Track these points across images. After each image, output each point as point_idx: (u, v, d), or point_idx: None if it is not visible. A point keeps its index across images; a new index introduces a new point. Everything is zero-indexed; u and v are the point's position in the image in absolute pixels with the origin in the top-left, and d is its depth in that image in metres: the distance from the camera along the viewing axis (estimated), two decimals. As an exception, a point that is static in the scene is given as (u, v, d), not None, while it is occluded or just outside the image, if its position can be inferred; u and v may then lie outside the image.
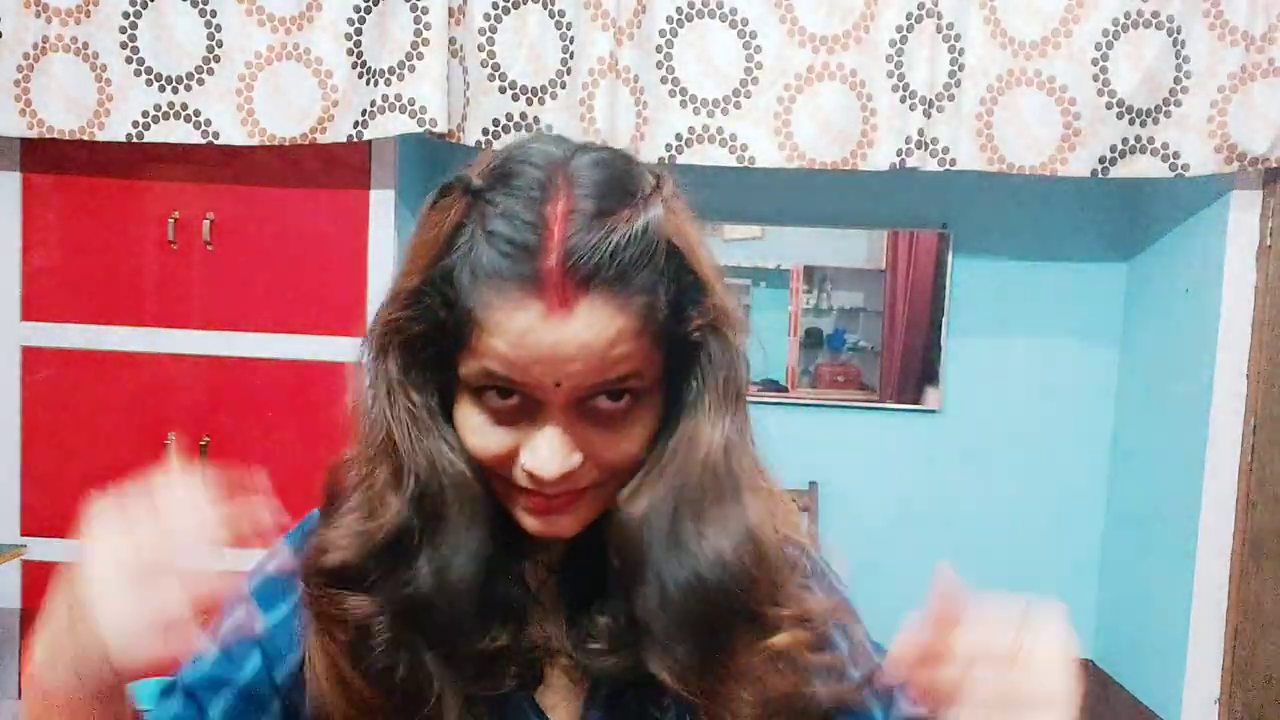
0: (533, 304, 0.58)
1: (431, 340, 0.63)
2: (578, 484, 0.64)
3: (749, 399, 0.69)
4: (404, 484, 0.65)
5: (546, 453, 0.61)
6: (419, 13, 2.27)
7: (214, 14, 2.29)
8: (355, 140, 2.31)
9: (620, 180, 0.62)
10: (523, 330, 0.58)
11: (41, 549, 2.47)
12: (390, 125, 2.30)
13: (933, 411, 2.92)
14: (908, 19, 2.29)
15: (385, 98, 2.30)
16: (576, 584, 0.69)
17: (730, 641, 0.65)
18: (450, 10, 2.29)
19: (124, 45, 2.30)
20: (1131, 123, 2.28)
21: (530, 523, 0.65)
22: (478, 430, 0.64)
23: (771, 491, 0.69)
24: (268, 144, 2.31)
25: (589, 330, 0.59)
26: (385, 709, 0.65)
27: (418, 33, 2.28)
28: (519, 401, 0.62)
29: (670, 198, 0.64)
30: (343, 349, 2.48)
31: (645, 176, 0.64)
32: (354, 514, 0.67)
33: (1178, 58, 2.27)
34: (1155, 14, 2.25)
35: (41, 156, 2.46)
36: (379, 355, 0.65)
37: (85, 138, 2.33)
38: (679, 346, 0.64)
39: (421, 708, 0.65)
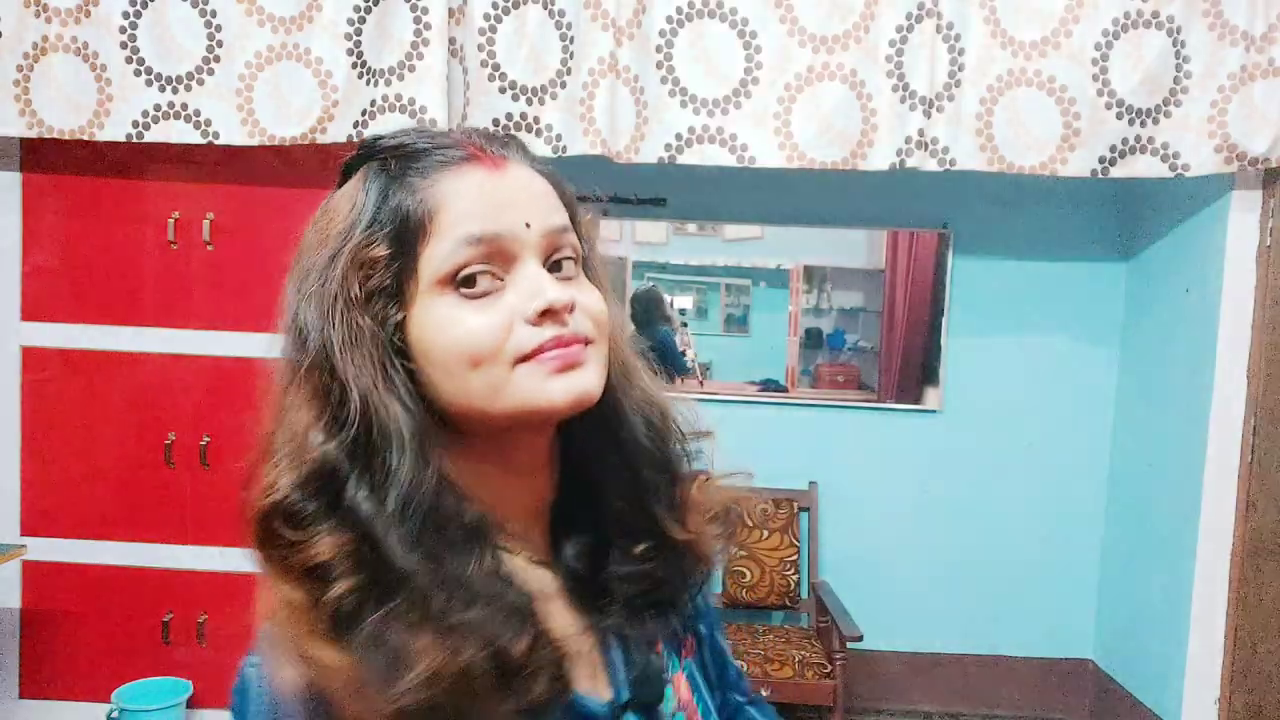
0: (475, 169, 0.66)
1: (384, 267, 0.65)
2: (581, 329, 0.66)
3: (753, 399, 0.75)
4: (344, 410, 0.64)
5: (546, 281, 0.65)
6: (419, 13, 2.27)
7: (214, 14, 2.29)
8: (355, 140, 2.31)
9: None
10: (478, 185, 0.65)
11: (41, 549, 2.47)
12: (390, 125, 2.30)
13: (933, 411, 2.92)
14: (908, 19, 2.28)
15: (385, 98, 2.30)
16: (566, 535, 0.72)
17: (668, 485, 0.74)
18: (450, 10, 2.29)
19: (124, 45, 2.30)
20: (1131, 123, 2.28)
21: (557, 388, 0.65)
22: (464, 321, 0.64)
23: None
24: (268, 144, 2.31)
25: (524, 178, 0.67)
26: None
27: (418, 33, 2.28)
28: (491, 279, 0.65)
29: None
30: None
31: None
32: (287, 447, 0.64)
33: (1178, 58, 2.27)
34: (1155, 14, 2.25)
35: (41, 156, 2.46)
36: (342, 283, 0.66)
37: (85, 138, 2.33)
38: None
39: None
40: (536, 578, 0.70)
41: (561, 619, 0.69)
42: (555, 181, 0.71)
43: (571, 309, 0.65)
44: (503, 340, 0.64)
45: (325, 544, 0.61)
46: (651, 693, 0.71)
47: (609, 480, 0.72)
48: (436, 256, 0.64)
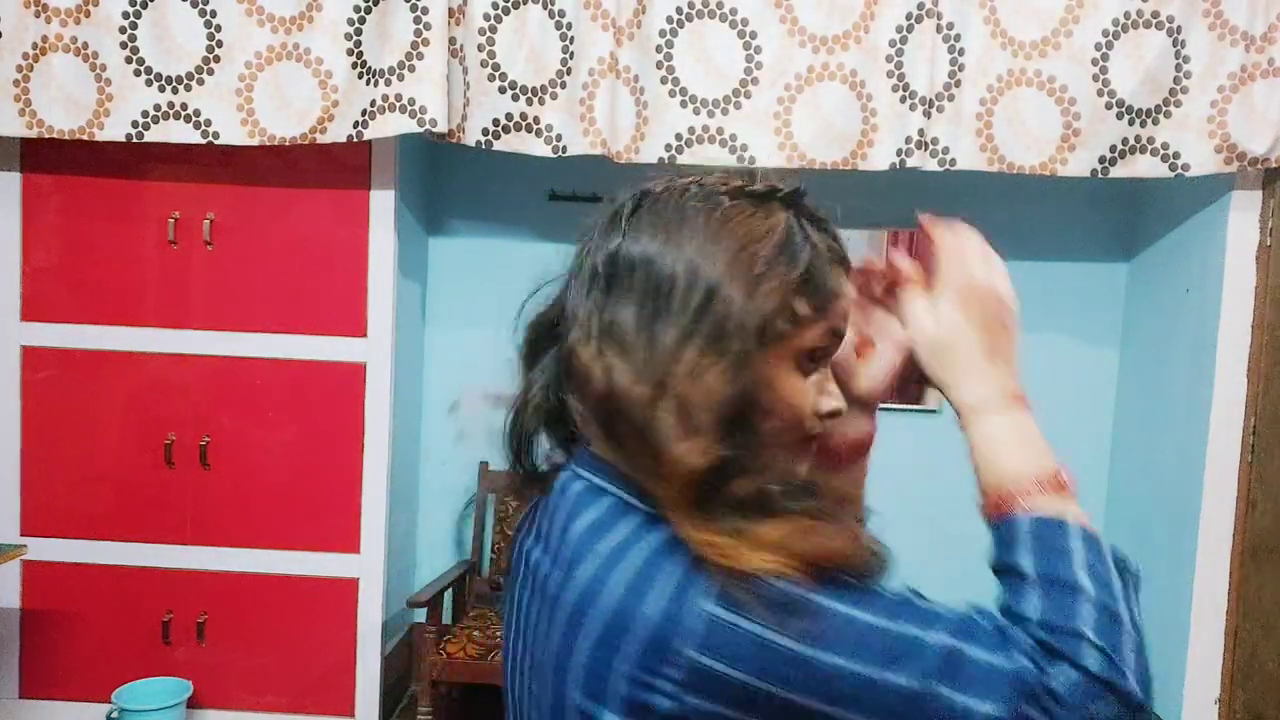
0: (846, 275, 0.82)
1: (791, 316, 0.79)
2: None
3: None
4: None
5: (834, 389, 0.81)
6: (419, 13, 2.27)
7: (214, 14, 2.29)
8: (355, 140, 2.31)
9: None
10: (851, 293, 0.82)
11: (41, 549, 2.47)
12: (390, 125, 2.30)
13: (933, 411, 2.92)
14: (908, 19, 2.28)
15: (385, 98, 2.30)
16: None
17: None
18: (450, 10, 2.29)
19: (124, 45, 2.30)
20: (1131, 123, 2.28)
21: (803, 470, 0.82)
22: (802, 390, 0.80)
23: None
24: (268, 144, 2.31)
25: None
26: None
27: (418, 33, 2.28)
28: (822, 362, 0.81)
29: None
30: (343, 349, 2.48)
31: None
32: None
33: (1178, 58, 2.27)
34: (1155, 14, 2.25)
35: (41, 156, 2.46)
36: (764, 308, 0.78)
37: (85, 138, 2.33)
38: None
39: None
40: None
41: None
42: None
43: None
44: (808, 419, 0.80)
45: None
46: None
47: None
48: (810, 336, 0.78)
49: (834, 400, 0.80)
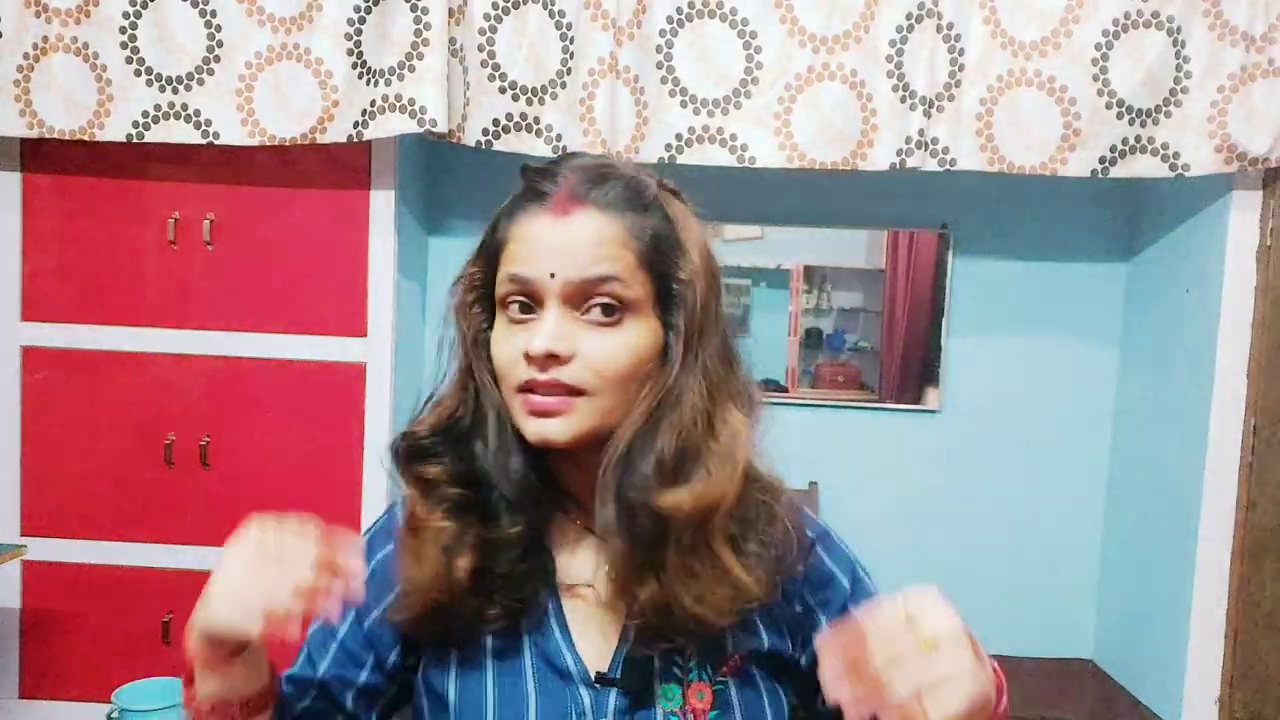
0: (544, 215, 0.78)
1: (486, 283, 0.83)
2: (565, 377, 0.77)
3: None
4: (466, 388, 0.85)
5: (539, 330, 0.77)
6: (419, 13, 2.27)
7: (214, 14, 2.29)
8: (355, 140, 2.31)
9: (617, 163, 0.84)
10: (533, 232, 0.78)
11: (41, 549, 2.47)
12: (390, 125, 2.30)
13: (932, 411, 2.92)
14: (908, 19, 2.29)
15: (385, 98, 2.30)
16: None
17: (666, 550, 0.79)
18: (450, 10, 2.29)
19: (124, 45, 2.30)
20: (1131, 123, 2.28)
21: (530, 427, 0.79)
22: (501, 339, 0.81)
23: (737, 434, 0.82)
24: (268, 144, 2.31)
25: (579, 230, 0.77)
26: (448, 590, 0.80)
27: (418, 33, 2.28)
28: (532, 314, 0.79)
29: (666, 185, 0.84)
30: (343, 349, 2.48)
31: (643, 170, 0.84)
32: (435, 407, 0.87)
33: (1178, 58, 2.27)
34: (1155, 14, 2.25)
35: (41, 156, 2.46)
36: (461, 300, 0.86)
37: (85, 138, 2.33)
38: (666, 294, 0.80)
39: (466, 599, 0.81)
40: (584, 541, 0.85)
41: (579, 569, 0.84)
42: (643, 226, 0.79)
43: (548, 360, 0.76)
44: (514, 366, 0.79)
45: (434, 470, 0.84)
46: (629, 681, 0.80)
47: None
48: (497, 283, 0.81)
49: (537, 340, 0.76)
